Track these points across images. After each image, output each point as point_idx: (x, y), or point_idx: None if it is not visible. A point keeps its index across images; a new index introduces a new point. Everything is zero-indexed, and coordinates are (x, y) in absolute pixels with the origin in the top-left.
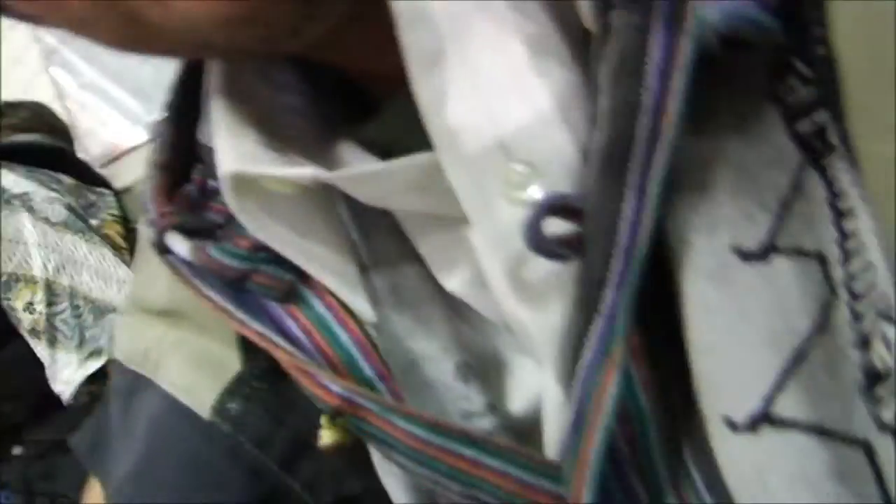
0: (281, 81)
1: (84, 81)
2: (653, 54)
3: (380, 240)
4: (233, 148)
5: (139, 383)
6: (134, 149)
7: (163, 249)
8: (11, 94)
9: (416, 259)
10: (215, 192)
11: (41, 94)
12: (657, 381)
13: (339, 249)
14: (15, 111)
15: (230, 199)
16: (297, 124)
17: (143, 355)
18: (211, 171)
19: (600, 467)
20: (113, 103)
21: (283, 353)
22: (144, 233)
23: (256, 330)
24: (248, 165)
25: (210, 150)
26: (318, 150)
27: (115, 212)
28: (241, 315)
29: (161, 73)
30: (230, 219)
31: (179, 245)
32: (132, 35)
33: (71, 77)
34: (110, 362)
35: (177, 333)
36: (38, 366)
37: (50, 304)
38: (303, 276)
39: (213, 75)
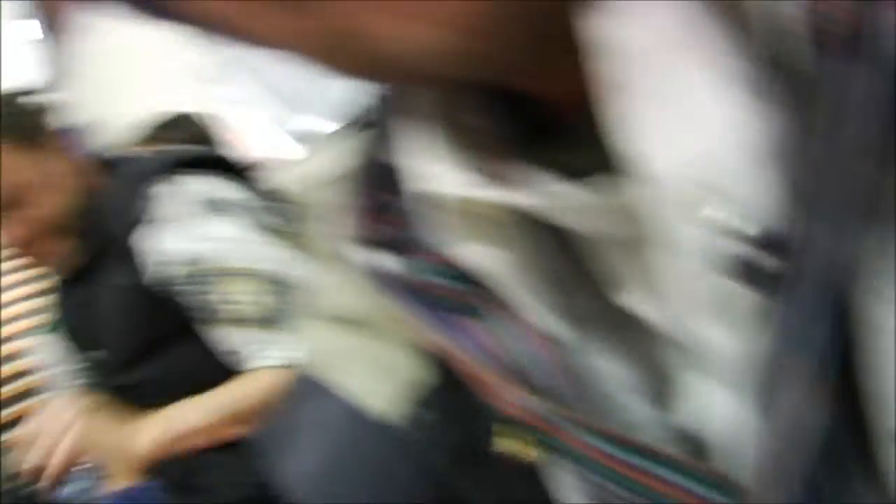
0: (472, 104)
1: (226, 91)
2: (868, 99)
3: (558, 258)
4: (440, 170)
5: (321, 386)
6: (274, 156)
7: (359, 261)
8: (157, 105)
9: (592, 277)
10: (390, 207)
11: (185, 104)
12: None
13: (523, 267)
14: (182, 123)
15: (439, 218)
16: (490, 146)
17: (326, 360)
18: (389, 186)
19: (799, 491)
20: (255, 111)
21: (466, 363)
22: (328, 242)
23: (443, 340)
24: (459, 189)
25: (390, 168)
26: (508, 171)
27: (283, 218)
28: (428, 324)
29: (298, 81)
30: (407, 233)
31: (373, 257)
32: (354, 64)
33: (213, 87)
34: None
35: (360, 341)
36: (209, 360)
37: (266, 293)
38: (488, 292)
39: (411, 98)
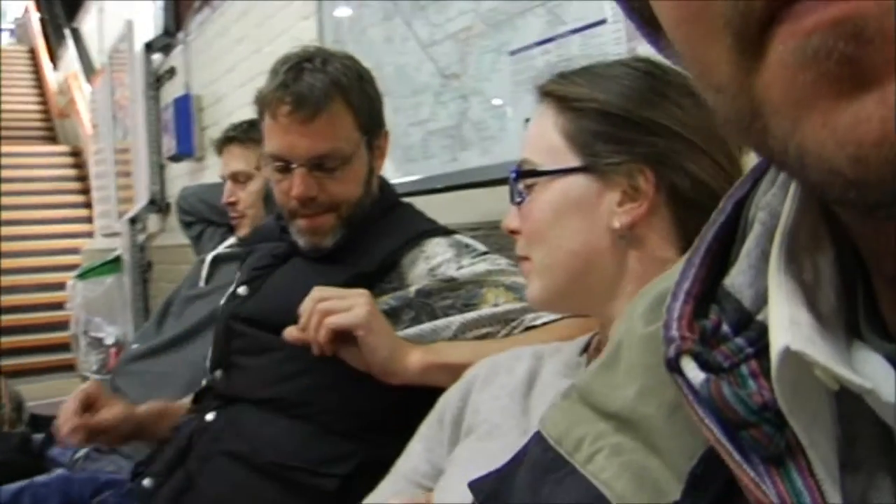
0: (830, 255)
1: None
2: None
3: (864, 446)
4: (789, 322)
5: (560, 465)
6: None
7: (673, 368)
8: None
9: None
10: (725, 337)
11: None
12: None
13: (829, 438)
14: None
15: (778, 369)
16: (832, 304)
17: (576, 443)
18: (730, 317)
19: None
20: None
21: None
22: (629, 338)
23: (751, 477)
24: (802, 346)
25: (732, 298)
26: (838, 338)
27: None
28: (738, 457)
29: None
30: (735, 365)
31: (693, 371)
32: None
33: None
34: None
35: (622, 439)
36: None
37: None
38: (790, 447)
39: (777, 236)
